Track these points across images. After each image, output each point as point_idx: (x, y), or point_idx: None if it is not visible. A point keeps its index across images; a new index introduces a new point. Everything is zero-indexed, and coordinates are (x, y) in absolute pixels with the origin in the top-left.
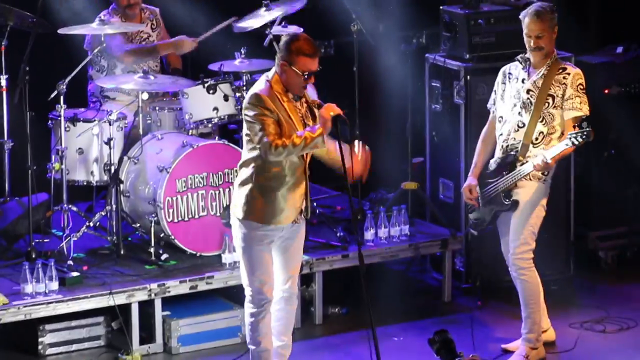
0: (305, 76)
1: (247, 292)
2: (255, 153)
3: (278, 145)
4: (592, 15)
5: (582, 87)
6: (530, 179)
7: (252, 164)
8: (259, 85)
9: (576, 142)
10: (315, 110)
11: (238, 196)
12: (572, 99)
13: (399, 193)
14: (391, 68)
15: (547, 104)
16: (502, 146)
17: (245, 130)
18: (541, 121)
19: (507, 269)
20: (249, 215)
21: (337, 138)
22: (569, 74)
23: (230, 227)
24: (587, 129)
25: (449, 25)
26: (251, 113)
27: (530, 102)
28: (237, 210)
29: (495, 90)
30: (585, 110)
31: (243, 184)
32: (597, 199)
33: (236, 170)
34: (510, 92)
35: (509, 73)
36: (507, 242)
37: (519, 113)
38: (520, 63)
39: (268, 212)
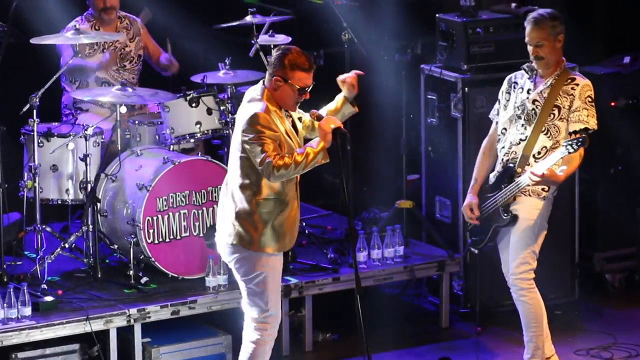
0: (301, 92)
1: (259, 318)
2: (252, 178)
3: (281, 166)
4: (598, 23)
5: (590, 100)
6: (530, 195)
7: (249, 191)
8: (256, 105)
9: (571, 150)
10: (315, 123)
11: (238, 226)
12: (579, 111)
13: (393, 212)
14: (384, 80)
15: (552, 115)
16: (503, 159)
17: (237, 154)
18: (545, 133)
19: (508, 291)
20: (252, 245)
21: (337, 152)
22: (577, 84)
23: (214, 249)
24: (583, 135)
25: (446, 34)
26: (251, 134)
27: (535, 113)
28: (239, 241)
29: (499, 100)
30: (592, 124)
31: (242, 213)
32: (603, 218)
33: (219, 189)
34: (514, 102)
35: (515, 82)
36: (507, 262)
37: (523, 125)
38: (527, 72)
39: (274, 239)
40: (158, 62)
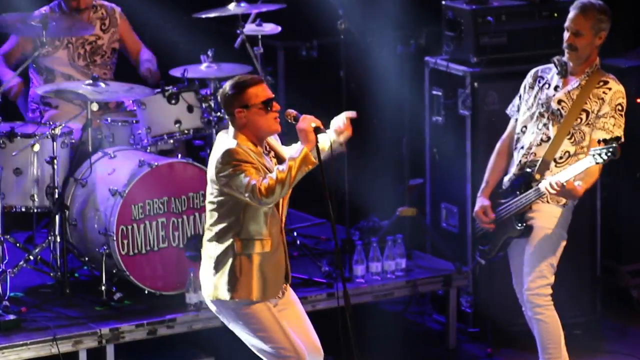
0: (267, 105)
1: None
2: (229, 220)
3: (270, 185)
4: (622, 13)
5: (621, 108)
6: (549, 202)
7: (229, 234)
8: (226, 143)
9: (600, 160)
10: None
11: (218, 276)
12: (605, 118)
13: (395, 220)
14: (384, 74)
15: (579, 120)
16: (521, 161)
17: (211, 199)
18: (569, 138)
19: (521, 309)
20: (238, 293)
21: (318, 152)
22: (610, 89)
23: (196, 261)
24: (614, 144)
25: (453, 24)
26: (228, 170)
27: (561, 114)
28: (220, 293)
29: (520, 95)
30: (617, 134)
31: (221, 260)
32: (627, 227)
33: (203, 195)
34: (538, 98)
35: (540, 76)
36: (519, 276)
37: (545, 124)
38: (556, 67)
39: (260, 285)
40: (138, 58)
